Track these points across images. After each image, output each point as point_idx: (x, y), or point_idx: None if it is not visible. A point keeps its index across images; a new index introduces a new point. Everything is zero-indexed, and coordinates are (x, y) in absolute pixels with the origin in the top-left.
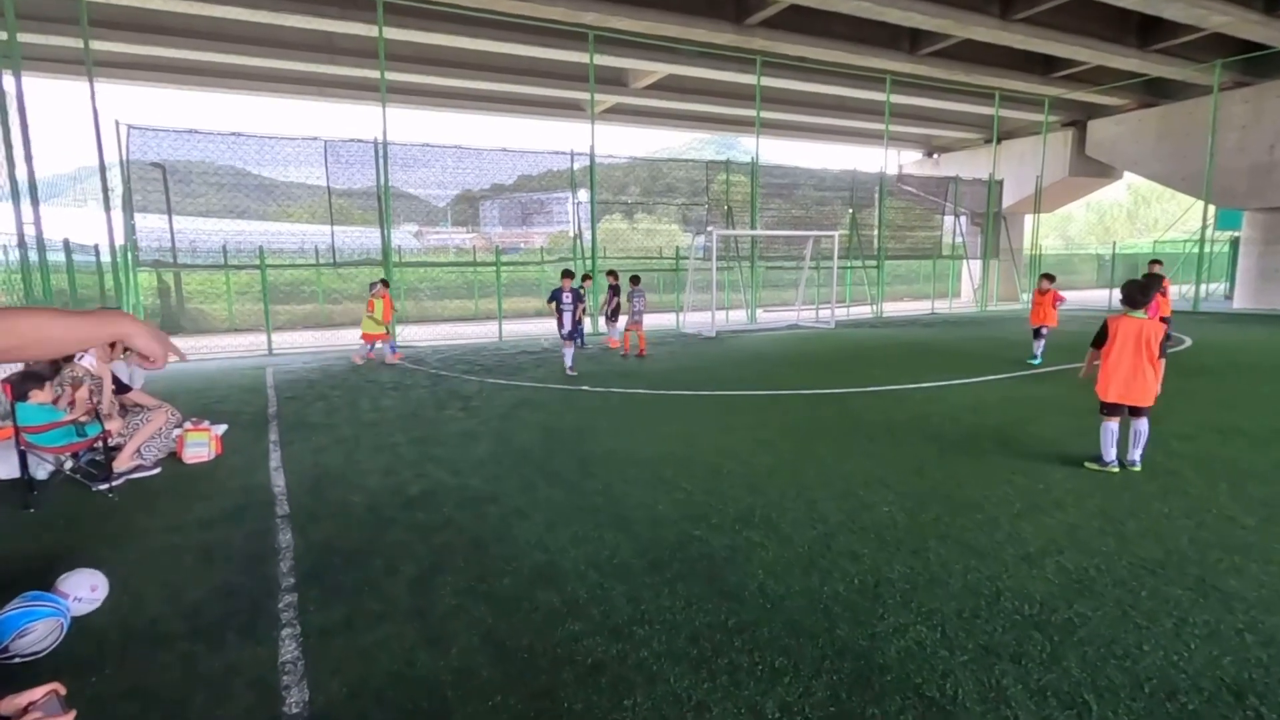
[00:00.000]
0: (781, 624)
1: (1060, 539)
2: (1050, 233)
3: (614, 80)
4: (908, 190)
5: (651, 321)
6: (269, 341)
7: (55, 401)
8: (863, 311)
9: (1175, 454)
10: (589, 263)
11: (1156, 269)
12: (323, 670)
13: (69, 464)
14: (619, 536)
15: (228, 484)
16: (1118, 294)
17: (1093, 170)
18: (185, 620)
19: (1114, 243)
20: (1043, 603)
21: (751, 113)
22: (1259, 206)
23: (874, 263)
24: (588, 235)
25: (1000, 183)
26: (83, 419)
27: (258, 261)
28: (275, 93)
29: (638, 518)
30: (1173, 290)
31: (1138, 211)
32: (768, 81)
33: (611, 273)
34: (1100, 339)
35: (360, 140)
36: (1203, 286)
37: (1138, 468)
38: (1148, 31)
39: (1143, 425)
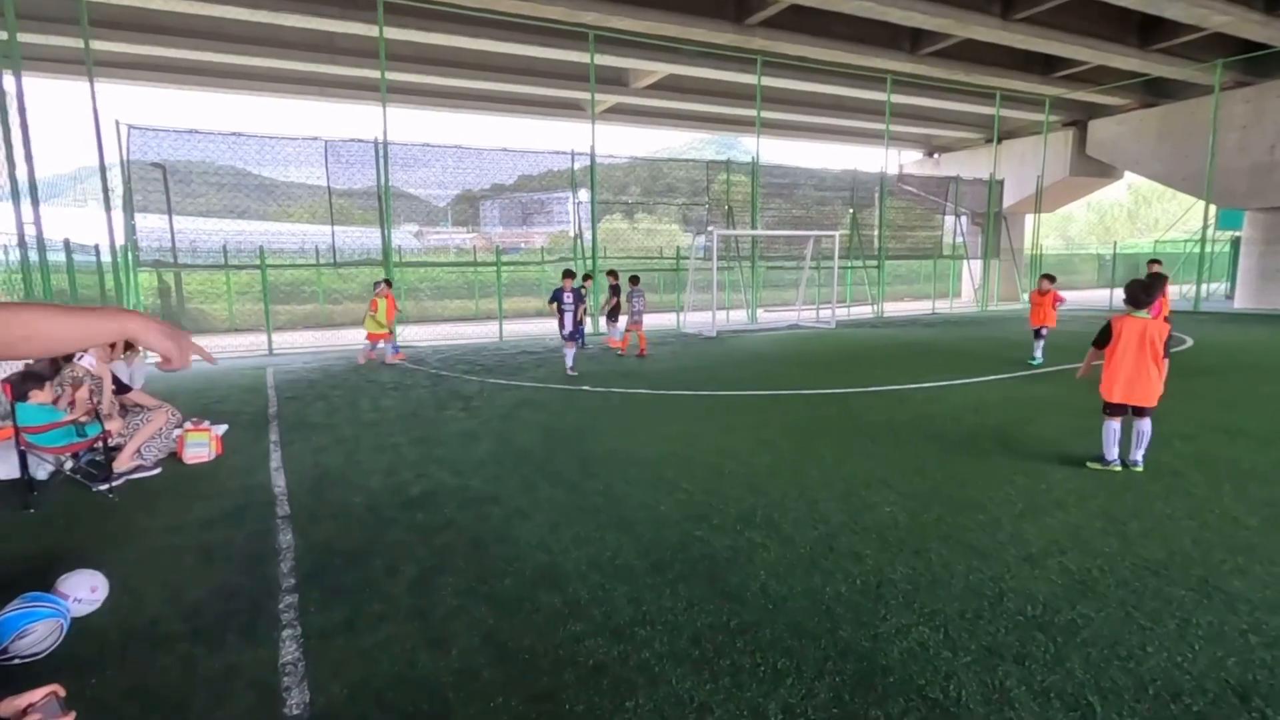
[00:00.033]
0: (784, 625)
1: (1063, 539)
2: (1051, 233)
3: (614, 80)
4: (908, 190)
5: (652, 321)
6: (269, 341)
7: (55, 401)
8: (863, 311)
9: (1178, 454)
10: (589, 263)
11: (1156, 269)
12: (323, 671)
13: (69, 464)
14: (620, 537)
15: (228, 484)
16: (1119, 294)
17: (1093, 170)
18: (185, 621)
19: (1115, 243)
20: (1045, 603)
21: (752, 113)
22: (1260, 206)
23: (874, 263)
24: (588, 235)
25: (1001, 182)
26: (83, 419)
27: (258, 261)
28: (275, 93)
29: (639, 518)
30: (1173, 290)
31: (1138, 211)
32: (768, 81)
33: (612, 273)
34: (1103, 339)
35: (360, 140)
36: (1203, 286)
37: (1140, 468)
38: (1149, 31)
39: (1145, 426)
